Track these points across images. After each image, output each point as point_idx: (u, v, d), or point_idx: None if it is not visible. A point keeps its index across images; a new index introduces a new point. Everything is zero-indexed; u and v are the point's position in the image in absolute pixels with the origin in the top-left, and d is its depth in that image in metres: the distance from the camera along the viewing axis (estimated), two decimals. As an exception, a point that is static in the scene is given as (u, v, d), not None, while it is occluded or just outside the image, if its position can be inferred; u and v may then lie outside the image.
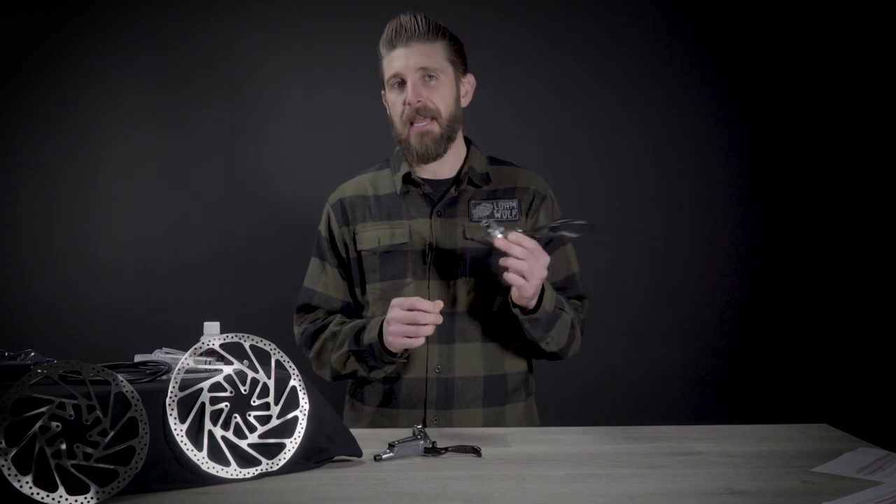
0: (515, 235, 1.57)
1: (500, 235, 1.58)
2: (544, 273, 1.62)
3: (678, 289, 2.78)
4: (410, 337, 1.62)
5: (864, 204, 2.78)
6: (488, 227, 1.59)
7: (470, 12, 2.58)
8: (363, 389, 1.84)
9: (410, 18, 1.75)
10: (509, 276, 1.59)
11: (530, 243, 1.58)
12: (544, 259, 1.60)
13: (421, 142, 1.75)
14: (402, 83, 1.75)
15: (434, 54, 1.74)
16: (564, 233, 1.63)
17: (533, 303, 1.66)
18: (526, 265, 1.58)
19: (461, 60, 1.80)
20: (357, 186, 1.87)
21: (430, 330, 1.61)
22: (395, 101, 1.77)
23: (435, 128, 1.75)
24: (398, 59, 1.74)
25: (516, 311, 1.68)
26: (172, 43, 2.67)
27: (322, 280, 1.86)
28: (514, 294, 1.63)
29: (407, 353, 1.72)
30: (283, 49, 2.70)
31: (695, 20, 2.78)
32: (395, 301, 1.65)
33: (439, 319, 1.60)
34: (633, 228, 2.77)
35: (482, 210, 1.80)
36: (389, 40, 1.75)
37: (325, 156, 2.69)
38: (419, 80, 1.74)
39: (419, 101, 1.73)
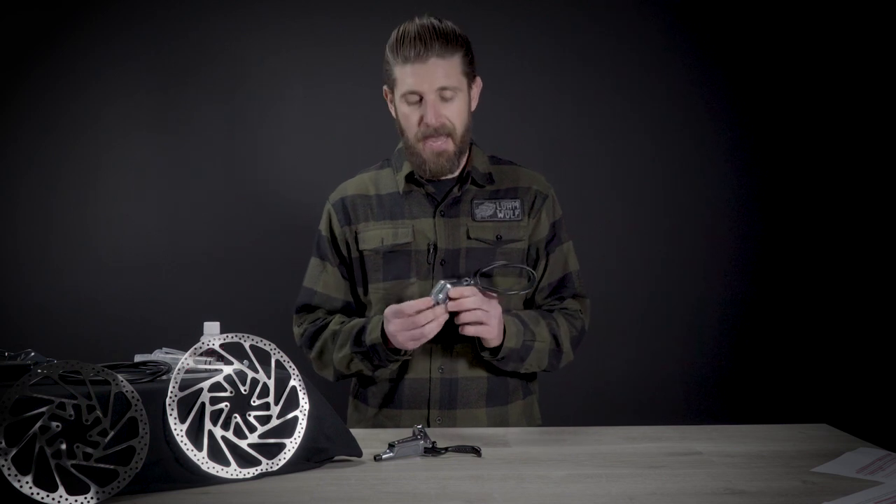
0: (457, 290, 1.61)
1: (446, 298, 1.60)
2: (499, 311, 1.65)
3: (678, 289, 2.78)
4: (419, 338, 1.63)
5: (863, 204, 2.78)
6: (438, 295, 1.61)
7: (470, 11, 2.58)
8: (366, 390, 1.84)
9: (428, 27, 1.69)
10: (471, 329, 1.63)
11: (472, 290, 1.62)
12: (493, 301, 1.64)
13: (437, 161, 1.74)
14: (416, 98, 1.72)
15: (451, 71, 1.70)
16: (510, 292, 1.73)
17: (498, 341, 1.68)
18: (481, 312, 1.62)
19: (472, 68, 1.77)
20: (358, 185, 1.86)
21: (435, 327, 1.61)
22: (408, 114, 1.74)
23: (450, 146, 1.74)
24: (414, 76, 1.69)
25: (485, 354, 1.72)
26: (173, 42, 2.67)
27: (322, 280, 1.85)
28: (484, 340, 1.68)
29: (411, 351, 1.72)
30: (284, 49, 2.70)
31: (695, 20, 2.78)
32: (388, 312, 1.65)
33: (440, 312, 1.60)
34: (633, 228, 2.77)
35: (485, 210, 1.80)
36: (405, 53, 1.69)
37: (324, 156, 2.69)
38: (437, 98, 1.71)
39: (439, 122, 1.71)
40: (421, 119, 1.72)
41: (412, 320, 1.60)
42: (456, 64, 1.71)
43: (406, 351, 1.70)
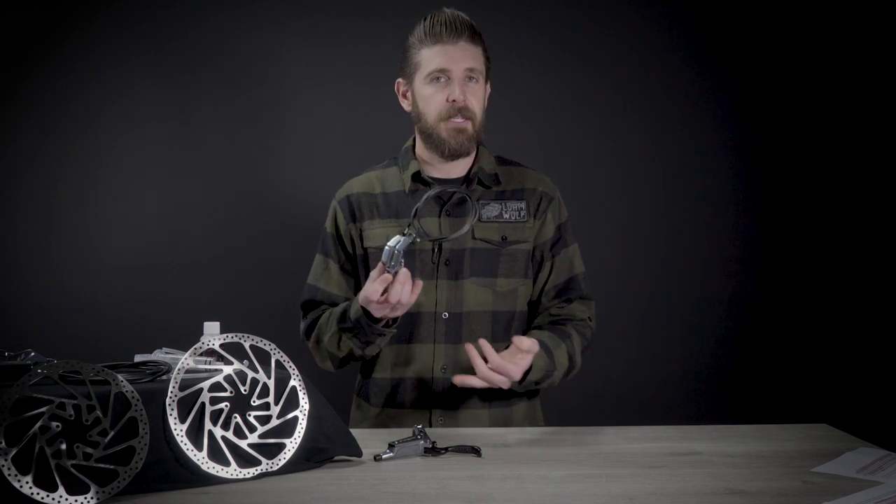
0: (459, 379, 1.62)
1: (401, 260, 1.56)
2: (514, 373, 1.62)
3: (678, 289, 2.78)
4: (399, 310, 1.61)
5: (864, 204, 2.78)
6: (392, 264, 1.55)
7: (470, 11, 2.58)
8: (369, 389, 1.84)
9: (458, 16, 1.75)
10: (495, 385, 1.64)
11: (475, 381, 1.61)
12: (500, 373, 1.61)
13: (457, 138, 1.75)
14: (443, 78, 1.74)
15: (478, 57, 1.76)
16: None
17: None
18: (498, 376, 1.61)
19: (489, 66, 1.81)
20: (364, 183, 1.86)
21: (407, 294, 1.57)
22: (431, 95, 1.75)
23: (469, 127, 1.76)
24: (444, 55, 1.73)
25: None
26: (173, 42, 2.67)
27: (325, 277, 1.85)
28: None
29: (395, 322, 1.70)
30: (284, 49, 2.69)
31: (695, 19, 2.78)
32: (360, 302, 1.64)
33: (403, 279, 1.56)
34: (634, 228, 2.77)
35: (490, 210, 1.81)
36: (436, 34, 1.73)
37: (324, 156, 2.69)
38: (464, 79, 1.74)
39: (464, 101, 1.74)
40: (446, 99, 1.74)
41: (386, 304, 1.58)
42: (480, 53, 1.77)
43: (390, 323, 1.69)
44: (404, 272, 1.56)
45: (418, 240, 1.58)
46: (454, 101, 1.73)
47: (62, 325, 2.61)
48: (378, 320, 1.66)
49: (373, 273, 1.61)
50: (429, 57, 1.74)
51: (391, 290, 1.56)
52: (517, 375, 1.62)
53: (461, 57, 1.73)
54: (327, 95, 2.70)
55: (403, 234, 1.55)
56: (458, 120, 1.74)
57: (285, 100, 2.70)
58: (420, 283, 1.60)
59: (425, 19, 1.76)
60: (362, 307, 1.66)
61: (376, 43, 2.57)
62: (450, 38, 1.73)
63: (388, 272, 1.56)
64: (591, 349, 1.90)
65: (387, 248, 1.56)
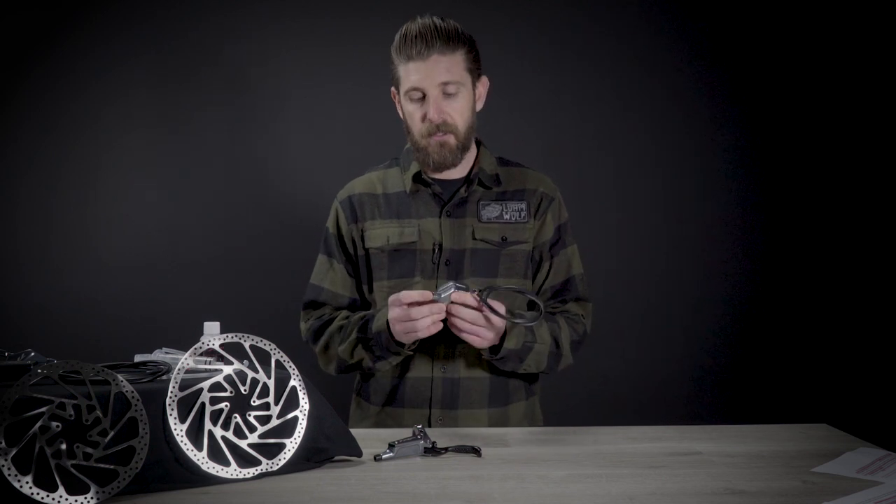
0: (459, 295, 1.57)
1: (448, 298, 1.57)
2: (497, 327, 1.63)
3: (678, 289, 2.78)
4: (411, 332, 1.61)
5: (864, 204, 2.78)
6: (441, 293, 1.57)
7: (470, 11, 2.58)
8: (369, 388, 1.84)
9: (430, 26, 1.70)
10: (463, 335, 1.62)
11: (473, 303, 1.59)
12: (494, 318, 1.61)
13: (440, 152, 1.74)
14: (419, 95, 1.73)
15: (454, 67, 1.71)
16: (517, 320, 1.63)
17: (496, 341, 1.66)
18: (473, 327, 1.60)
19: (477, 66, 1.77)
20: (366, 184, 1.87)
21: (429, 322, 1.58)
22: (413, 112, 1.75)
23: (452, 140, 1.74)
24: (417, 73, 1.70)
25: (484, 353, 1.70)
26: (173, 43, 2.67)
27: (329, 277, 1.86)
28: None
29: (415, 344, 1.70)
30: (284, 49, 2.70)
31: (695, 20, 2.78)
32: (390, 299, 1.64)
33: (437, 310, 1.58)
34: (634, 229, 2.78)
35: (491, 211, 1.81)
36: (407, 51, 1.70)
37: (324, 156, 2.69)
38: (439, 94, 1.71)
39: (441, 118, 1.72)
40: (424, 116, 1.72)
41: (407, 312, 1.59)
42: (458, 60, 1.72)
43: (408, 345, 1.69)
44: (439, 306, 1.57)
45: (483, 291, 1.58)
46: (430, 120, 1.72)
47: (62, 325, 2.61)
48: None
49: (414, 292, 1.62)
50: (404, 74, 1.72)
51: (416, 309, 1.57)
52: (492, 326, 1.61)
53: (434, 72, 1.69)
54: (327, 95, 2.71)
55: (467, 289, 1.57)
56: (439, 136, 1.73)
57: (285, 100, 2.71)
58: (441, 325, 1.60)
59: (399, 32, 1.73)
60: (387, 324, 1.66)
61: (376, 43, 2.55)
62: (419, 53, 1.68)
63: (434, 295, 1.57)
64: (589, 346, 1.90)
65: (450, 283, 1.57)
